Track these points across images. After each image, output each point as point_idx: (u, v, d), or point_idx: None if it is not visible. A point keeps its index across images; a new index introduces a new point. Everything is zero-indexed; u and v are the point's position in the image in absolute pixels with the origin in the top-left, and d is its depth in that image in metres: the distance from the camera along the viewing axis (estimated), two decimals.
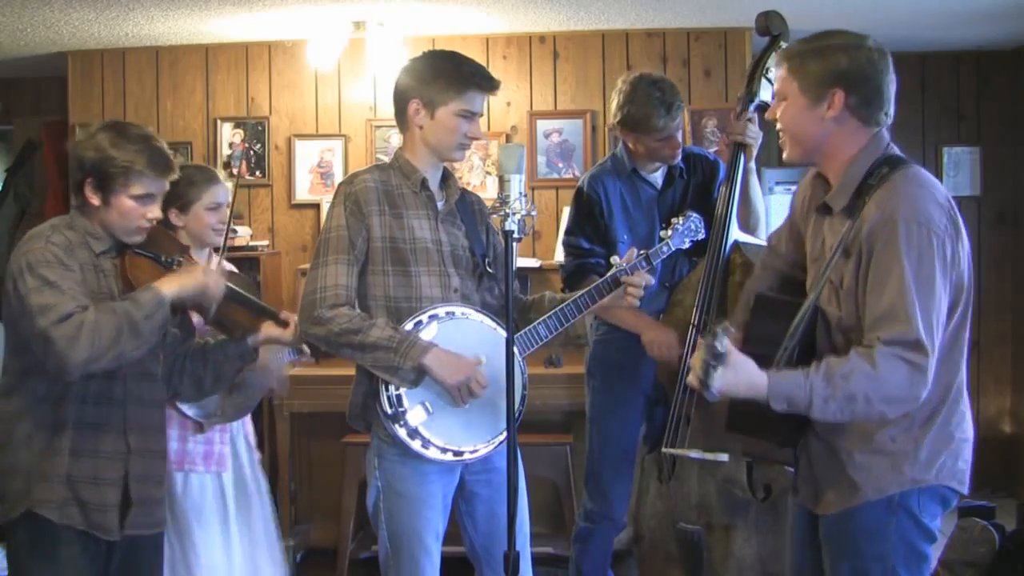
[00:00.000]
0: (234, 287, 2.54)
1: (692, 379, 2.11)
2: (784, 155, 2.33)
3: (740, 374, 2.04)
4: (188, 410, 3.00)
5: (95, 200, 2.33)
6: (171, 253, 2.48)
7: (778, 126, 2.30)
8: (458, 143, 2.66)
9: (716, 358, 2.01)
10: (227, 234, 2.92)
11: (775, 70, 2.32)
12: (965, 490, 2.24)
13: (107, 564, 2.39)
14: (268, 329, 2.64)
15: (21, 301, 2.21)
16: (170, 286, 2.30)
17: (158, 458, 2.50)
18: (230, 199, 3.10)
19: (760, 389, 2.05)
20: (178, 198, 2.89)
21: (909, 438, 2.16)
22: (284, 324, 2.65)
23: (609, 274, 2.70)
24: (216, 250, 3.01)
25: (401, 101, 2.67)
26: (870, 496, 2.17)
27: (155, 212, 2.40)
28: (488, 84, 2.65)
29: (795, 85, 2.22)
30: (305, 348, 2.80)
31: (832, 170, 2.26)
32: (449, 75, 2.61)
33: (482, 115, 2.71)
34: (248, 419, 3.28)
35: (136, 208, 2.34)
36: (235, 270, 3.26)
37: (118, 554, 2.39)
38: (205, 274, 2.39)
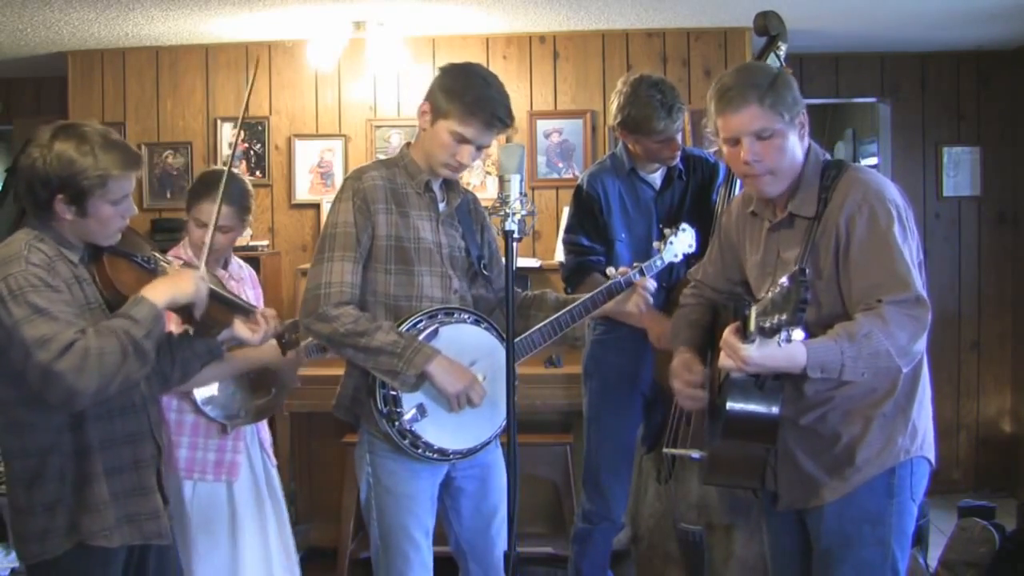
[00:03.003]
0: (212, 286, 2.41)
1: (723, 357, 2.12)
2: (766, 191, 2.31)
3: (780, 348, 2.04)
4: (212, 412, 2.92)
5: (68, 216, 2.15)
6: (144, 251, 2.34)
7: (756, 166, 2.26)
8: (443, 161, 2.61)
9: (773, 332, 1.96)
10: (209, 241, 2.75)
11: (731, 113, 2.25)
12: (934, 464, 2.39)
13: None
14: (239, 329, 2.47)
15: (9, 332, 2.03)
16: (163, 296, 2.17)
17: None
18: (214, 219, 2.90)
19: (799, 360, 2.09)
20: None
21: (899, 412, 2.29)
22: (255, 323, 2.51)
23: (604, 286, 2.72)
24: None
25: (423, 98, 2.65)
26: (872, 472, 2.27)
27: (132, 210, 2.25)
28: (495, 122, 2.57)
29: (781, 117, 2.24)
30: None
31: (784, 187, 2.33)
32: (460, 94, 2.55)
33: (485, 147, 2.63)
34: (264, 425, 3.17)
35: (115, 212, 2.20)
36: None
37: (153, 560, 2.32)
38: (196, 282, 2.25)
